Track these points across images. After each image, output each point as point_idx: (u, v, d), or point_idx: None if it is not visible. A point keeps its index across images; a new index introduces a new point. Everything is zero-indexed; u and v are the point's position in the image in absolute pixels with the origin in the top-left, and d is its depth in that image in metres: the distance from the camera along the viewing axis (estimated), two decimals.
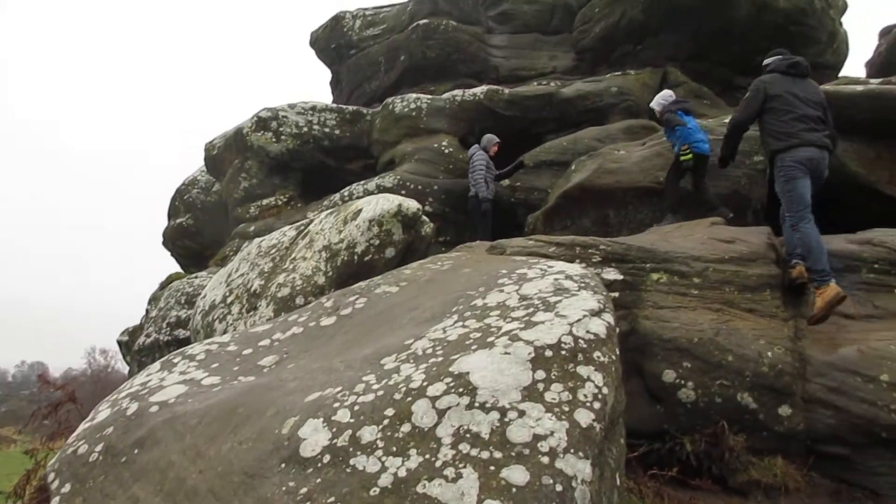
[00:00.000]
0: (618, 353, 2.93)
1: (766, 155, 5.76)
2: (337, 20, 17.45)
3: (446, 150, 11.35)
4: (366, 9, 17.67)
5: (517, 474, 2.17)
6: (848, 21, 15.36)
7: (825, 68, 14.27)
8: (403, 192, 10.12)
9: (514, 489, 2.12)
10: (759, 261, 4.93)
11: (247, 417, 2.77)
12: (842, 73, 14.91)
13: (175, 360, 3.84)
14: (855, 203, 6.94)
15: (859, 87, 6.97)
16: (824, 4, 13.91)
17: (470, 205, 9.83)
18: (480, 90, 12.36)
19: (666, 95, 8.32)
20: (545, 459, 2.22)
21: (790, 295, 4.82)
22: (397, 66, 15.73)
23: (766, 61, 5.97)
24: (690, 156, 7.27)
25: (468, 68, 15.19)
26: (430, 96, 12.69)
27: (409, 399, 2.54)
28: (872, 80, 8.56)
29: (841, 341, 4.22)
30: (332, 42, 17.49)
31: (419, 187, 10.47)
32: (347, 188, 11.02)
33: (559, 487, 2.15)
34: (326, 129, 12.77)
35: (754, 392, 4.09)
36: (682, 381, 4.22)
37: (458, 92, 12.49)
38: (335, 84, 18.30)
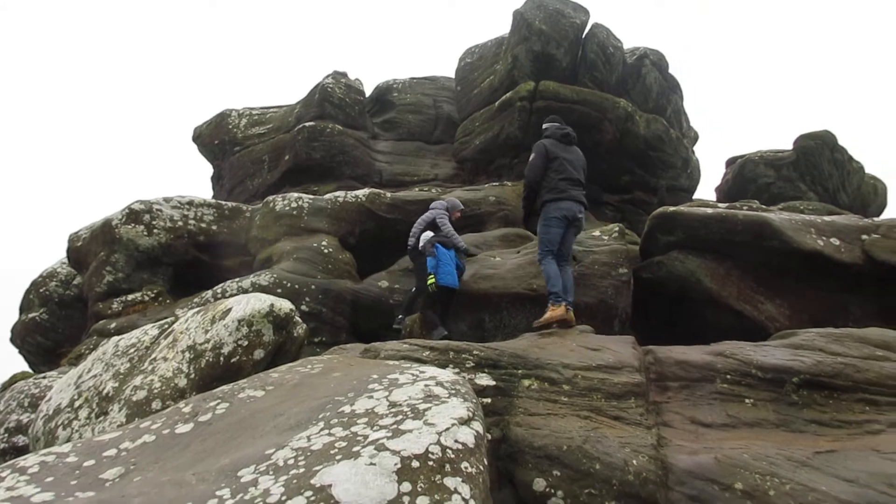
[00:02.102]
0: (486, 463, 2.89)
1: (539, 203, 6.86)
2: (222, 117, 17.41)
3: (326, 250, 11.26)
4: (252, 108, 17.79)
5: None
6: (700, 150, 17.09)
7: (681, 191, 15.69)
8: (280, 290, 9.87)
9: None
10: (623, 369, 5.11)
11: None
12: (696, 196, 16.42)
13: (3, 474, 3.40)
14: (711, 316, 7.43)
15: (709, 210, 7.63)
16: (678, 134, 15.45)
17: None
18: (363, 192, 12.52)
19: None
20: None
21: (653, 403, 5.00)
22: (281, 164, 15.75)
23: (545, 126, 7.15)
24: (433, 281, 8.22)
25: (352, 171, 15.44)
26: (311, 196, 12.68)
27: None
28: (721, 205, 9.41)
29: (699, 449, 4.37)
30: (216, 138, 17.36)
31: (296, 286, 10.24)
32: (221, 285, 10.60)
33: None
34: (203, 225, 12.38)
35: (621, 501, 4.10)
36: (553, 490, 4.19)
37: (340, 193, 12.57)
38: (217, 179, 18.03)
